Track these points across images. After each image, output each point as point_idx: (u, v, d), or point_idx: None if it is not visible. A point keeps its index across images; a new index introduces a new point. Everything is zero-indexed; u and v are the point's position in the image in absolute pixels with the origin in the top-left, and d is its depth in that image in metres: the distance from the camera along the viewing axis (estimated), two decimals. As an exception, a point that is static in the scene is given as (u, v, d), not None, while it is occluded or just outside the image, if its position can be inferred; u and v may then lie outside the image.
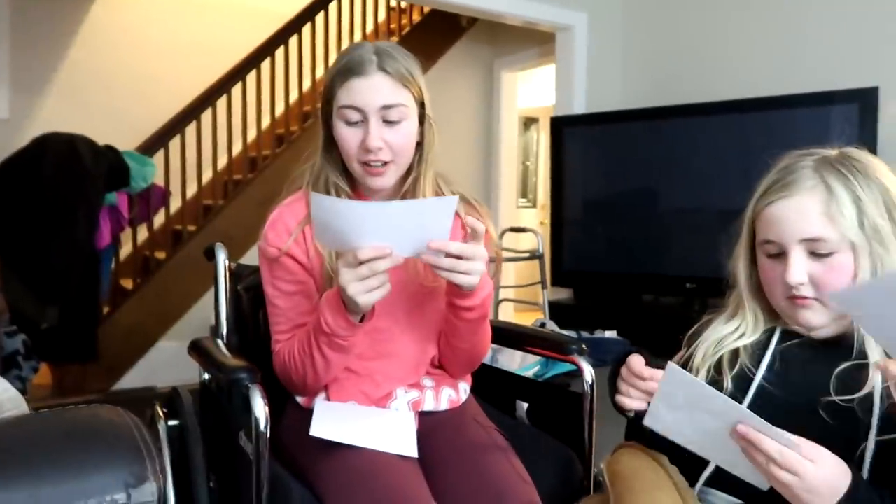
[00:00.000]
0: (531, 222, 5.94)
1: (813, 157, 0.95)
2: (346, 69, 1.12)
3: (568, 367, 2.22)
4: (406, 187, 1.21)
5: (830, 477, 0.77)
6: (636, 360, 0.94)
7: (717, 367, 0.99)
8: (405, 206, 1.01)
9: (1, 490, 0.57)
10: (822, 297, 0.91)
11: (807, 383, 0.92)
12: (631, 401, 0.94)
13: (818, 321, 0.93)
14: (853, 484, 0.78)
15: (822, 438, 0.79)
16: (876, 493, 0.80)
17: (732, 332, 1.01)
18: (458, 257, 1.01)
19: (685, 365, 1.03)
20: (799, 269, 0.91)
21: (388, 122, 1.13)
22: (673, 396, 0.83)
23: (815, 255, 0.91)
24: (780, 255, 0.94)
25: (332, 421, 1.12)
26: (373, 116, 1.12)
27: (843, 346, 0.92)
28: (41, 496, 0.58)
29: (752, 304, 1.01)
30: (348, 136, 1.14)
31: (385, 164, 1.14)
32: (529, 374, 2.23)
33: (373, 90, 1.11)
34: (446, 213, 0.99)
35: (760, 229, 0.97)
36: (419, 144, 1.20)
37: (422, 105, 1.18)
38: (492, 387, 1.48)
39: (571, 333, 2.81)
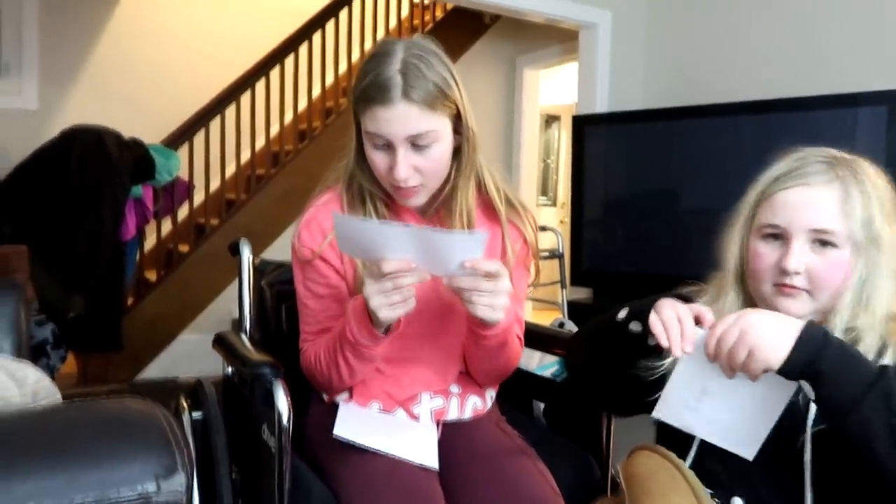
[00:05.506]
0: (551, 221, 5.92)
1: (826, 154, 0.97)
2: (369, 96, 1.02)
3: (586, 367, 2.22)
4: (442, 198, 1.15)
5: (771, 321, 0.83)
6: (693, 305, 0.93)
7: None
8: (433, 235, 0.94)
9: (38, 475, 0.59)
10: (812, 289, 0.93)
11: None
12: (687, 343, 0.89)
13: (798, 311, 0.93)
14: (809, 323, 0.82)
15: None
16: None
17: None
18: (493, 276, 0.97)
19: None
20: (799, 256, 0.92)
21: (416, 147, 1.05)
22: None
23: (820, 244, 0.92)
24: (780, 239, 0.95)
25: (355, 424, 1.12)
26: (400, 146, 1.04)
27: None
28: (76, 483, 0.60)
29: (736, 289, 1.02)
30: (377, 160, 1.08)
31: (415, 187, 1.09)
32: (547, 373, 2.23)
33: (397, 121, 1.02)
34: (474, 250, 0.94)
35: (765, 213, 0.98)
36: (457, 152, 1.13)
37: (457, 116, 1.09)
38: (509, 386, 1.48)
39: (590, 333, 2.80)
